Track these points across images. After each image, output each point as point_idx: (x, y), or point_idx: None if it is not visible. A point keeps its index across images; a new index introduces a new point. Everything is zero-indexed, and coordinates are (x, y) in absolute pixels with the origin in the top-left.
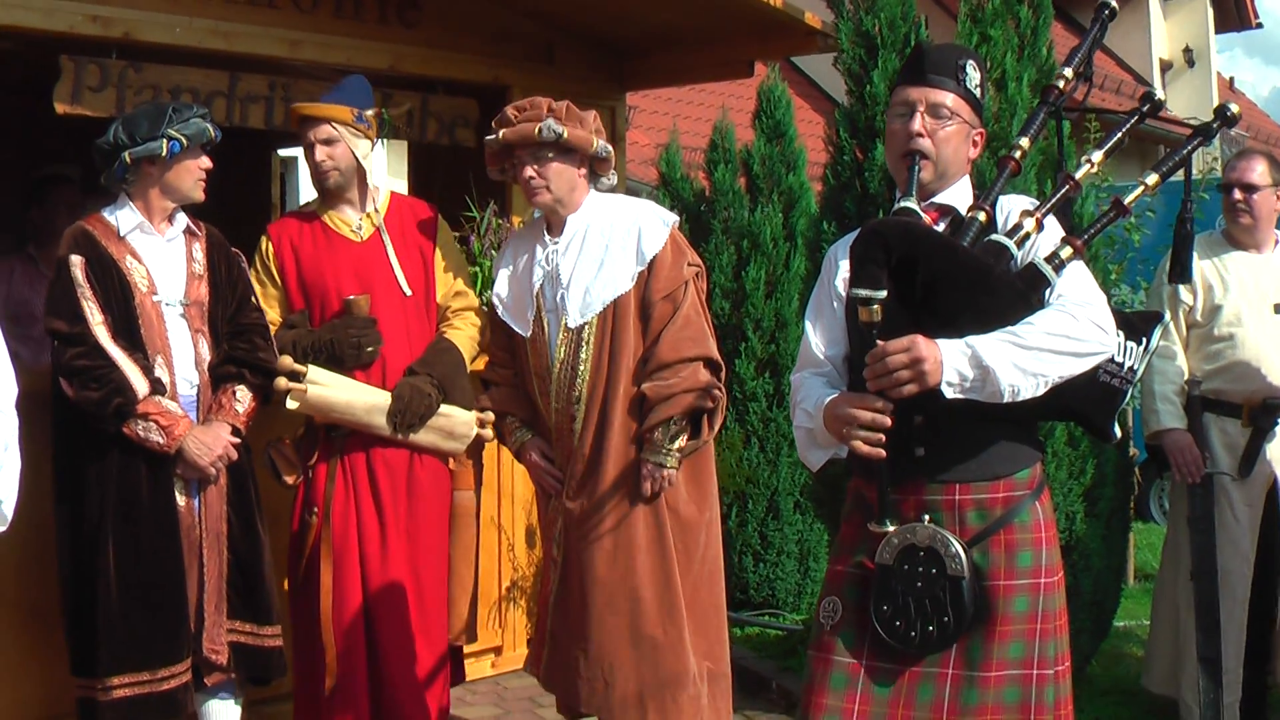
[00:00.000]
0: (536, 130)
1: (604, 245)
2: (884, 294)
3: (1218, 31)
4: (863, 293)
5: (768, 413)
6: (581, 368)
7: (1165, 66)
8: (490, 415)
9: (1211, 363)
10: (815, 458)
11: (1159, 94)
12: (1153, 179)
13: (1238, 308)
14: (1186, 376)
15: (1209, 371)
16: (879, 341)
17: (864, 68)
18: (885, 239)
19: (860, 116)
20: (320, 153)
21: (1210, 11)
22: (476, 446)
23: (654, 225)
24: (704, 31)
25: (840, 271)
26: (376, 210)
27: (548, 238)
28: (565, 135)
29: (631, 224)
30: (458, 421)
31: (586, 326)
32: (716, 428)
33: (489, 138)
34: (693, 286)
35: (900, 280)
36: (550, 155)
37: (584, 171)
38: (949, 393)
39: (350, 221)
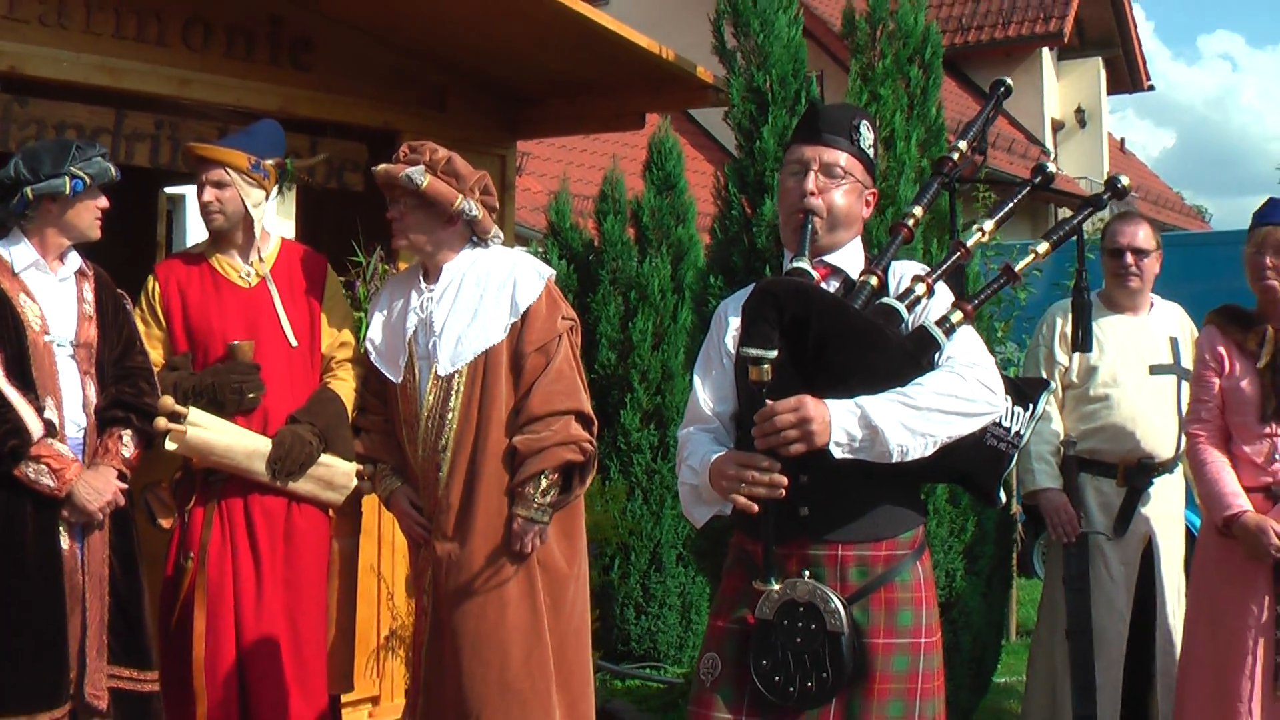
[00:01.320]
0: (400, 175)
1: (478, 295)
2: (774, 353)
3: (1110, 93)
4: (753, 351)
5: (652, 464)
6: (449, 416)
7: (1057, 126)
8: (369, 469)
9: (1087, 423)
10: (700, 514)
11: (1050, 165)
12: (1043, 247)
13: (1114, 369)
14: (1062, 437)
15: (1085, 432)
16: (768, 400)
17: (754, 123)
18: (778, 298)
19: (750, 171)
20: (209, 194)
21: (1103, 73)
22: (356, 497)
23: (529, 277)
24: (598, 82)
25: (730, 328)
26: (263, 259)
27: (423, 284)
28: (424, 187)
29: (507, 275)
30: (337, 472)
31: (457, 375)
32: (587, 482)
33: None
34: (566, 340)
35: (791, 339)
36: (412, 203)
37: (454, 225)
38: (837, 453)
39: (238, 267)
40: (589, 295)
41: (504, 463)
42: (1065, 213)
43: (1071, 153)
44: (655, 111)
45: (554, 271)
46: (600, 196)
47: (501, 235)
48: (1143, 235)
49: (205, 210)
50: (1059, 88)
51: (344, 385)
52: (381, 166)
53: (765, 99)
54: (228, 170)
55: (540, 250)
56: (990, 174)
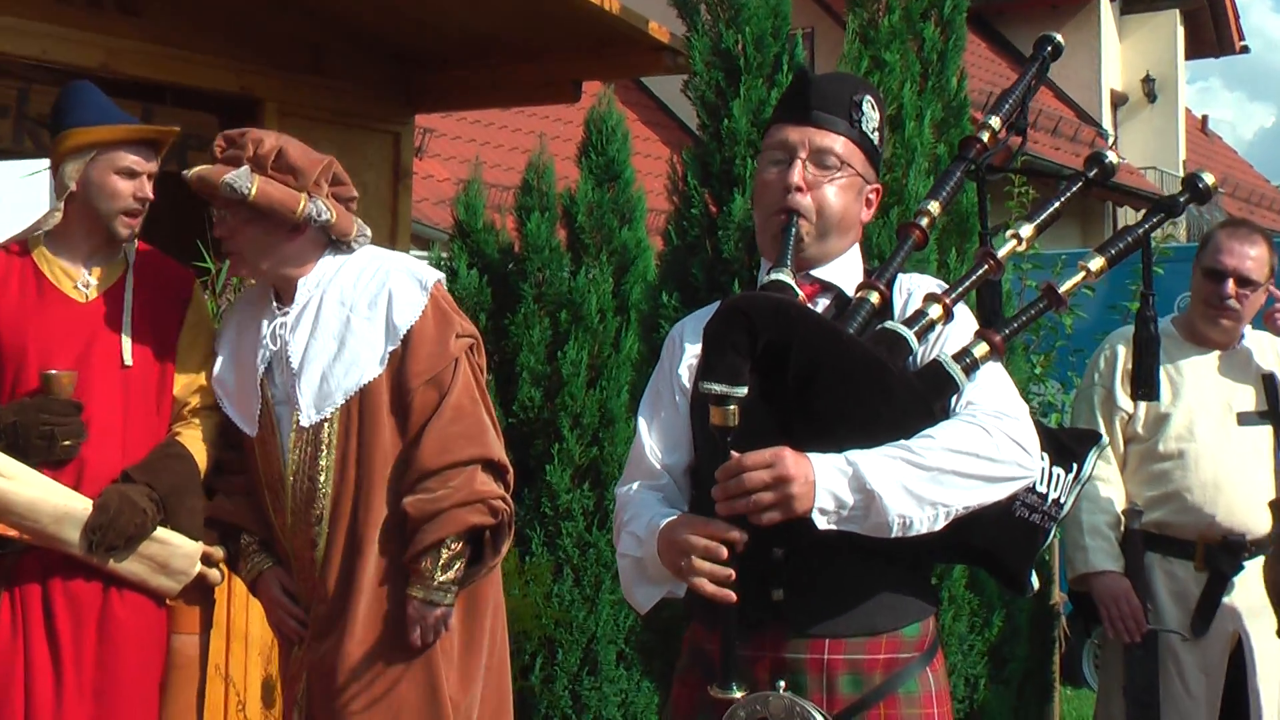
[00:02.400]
0: (219, 183)
1: (344, 317)
2: (744, 391)
3: (1189, 57)
4: (717, 388)
5: (586, 535)
6: (321, 478)
7: (1119, 100)
8: (220, 552)
9: (1156, 488)
10: (644, 595)
11: (1109, 153)
12: (1097, 264)
13: (1190, 418)
14: (1124, 505)
15: (1153, 499)
16: (734, 453)
17: (722, 96)
18: (750, 320)
19: (715, 158)
20: (147, 187)
21: (1180, 31)
22: (201, 588)
23: (407, 288)
24: (519, 42)
25: (687, 357)
26: (122, 265)
27: (275, 306)
28: (252, 195)
29: (379, 288)
30: (177, 552)
31: (326, 425)
32: (503, 550)
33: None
34: (464, 365)
35: (766, 374)
36: (243, 215)
37: (301, 234)
38: (822, 522)
39: (74, 274)
40: (507, 315)
41: (394, 532)
42: (1128, 214)
43: (1137, 135)
44: (594, 80)
45: (440, 275)
46: (523, 188)
47: (368, 233)
48: (1254, 259)
49: (128, 210)
50: (1121, 50)
51: (197, 439)
52: (193, 171)
53: (736, 64)
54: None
55: (445, 256)
56: (1030, 162)
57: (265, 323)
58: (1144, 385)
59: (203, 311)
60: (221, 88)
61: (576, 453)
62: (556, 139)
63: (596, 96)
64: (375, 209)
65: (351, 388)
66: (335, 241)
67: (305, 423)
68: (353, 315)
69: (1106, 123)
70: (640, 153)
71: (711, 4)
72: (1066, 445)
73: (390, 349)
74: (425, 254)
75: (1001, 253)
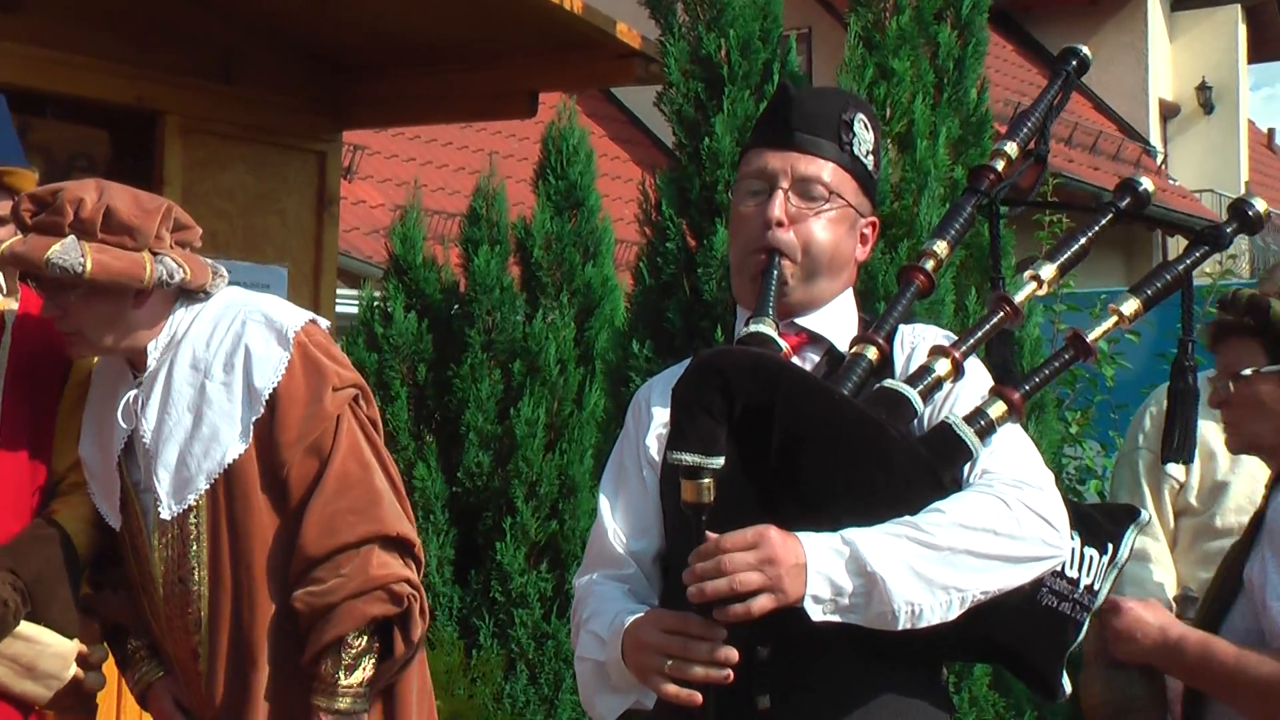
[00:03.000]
0: (43, 265)
1: (198, 385)
2: (720, 462)
3: (1252, 60)
4: (688, 459)
5: (543, 625)
6: (194, 578)
7: (1170, 111)
8: (102, 653)
9: (1212, 568)
10: (607, 706)
11: (1144, 180)
12: (1130, 307)
13: (1254, 487)
14: (1175, 590)
15: (1209, 582)
16: (710, 534)
17: (702, 110)
18: (725, 378)
19: (694, 183)
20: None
21: (1242, 30)
22: (79, 694)
23: (264, 342)
24: (466, 46)
25: (655, 424)
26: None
27: (130, 372)
28: (88, 273)
29: (234, 344)
30: (47, 651)
31: (191, 515)
32: (416, 640)
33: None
34: (348, 423)
35: (746, 441)
36: (78, 293)
37: (148, 297)
38: (816, 612)
39: None
40: (451, 367)
41: (287, 632)
42: (1179, 244)
43: (1191, 151)
44: (554, 90)
45: (308, 317)
46: (469, 216)
47: (224, 273)
48: None
49: None
50: (1172, 53)
51: (77, 519)
52: (11, 245)
53: (719, 73)
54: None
55: (378, 296)
56: (1065, 183)
57: (121, 394)
58: (1177, 446)
59: (88, 373)
60: (114, 98)
61: (532, 528)
62: (509, 159)
63: (556, 110)
64: (296, 240)
65: (214, 469)
66: (188, 292)
67: (166, 515)
68: (208, 382)
69: (1155, 138)
70: (608, 174)
71: (690, 3)
72: (1099, 523)
73: (253, 418)
74: (355, 293)
75: (1019, 297)
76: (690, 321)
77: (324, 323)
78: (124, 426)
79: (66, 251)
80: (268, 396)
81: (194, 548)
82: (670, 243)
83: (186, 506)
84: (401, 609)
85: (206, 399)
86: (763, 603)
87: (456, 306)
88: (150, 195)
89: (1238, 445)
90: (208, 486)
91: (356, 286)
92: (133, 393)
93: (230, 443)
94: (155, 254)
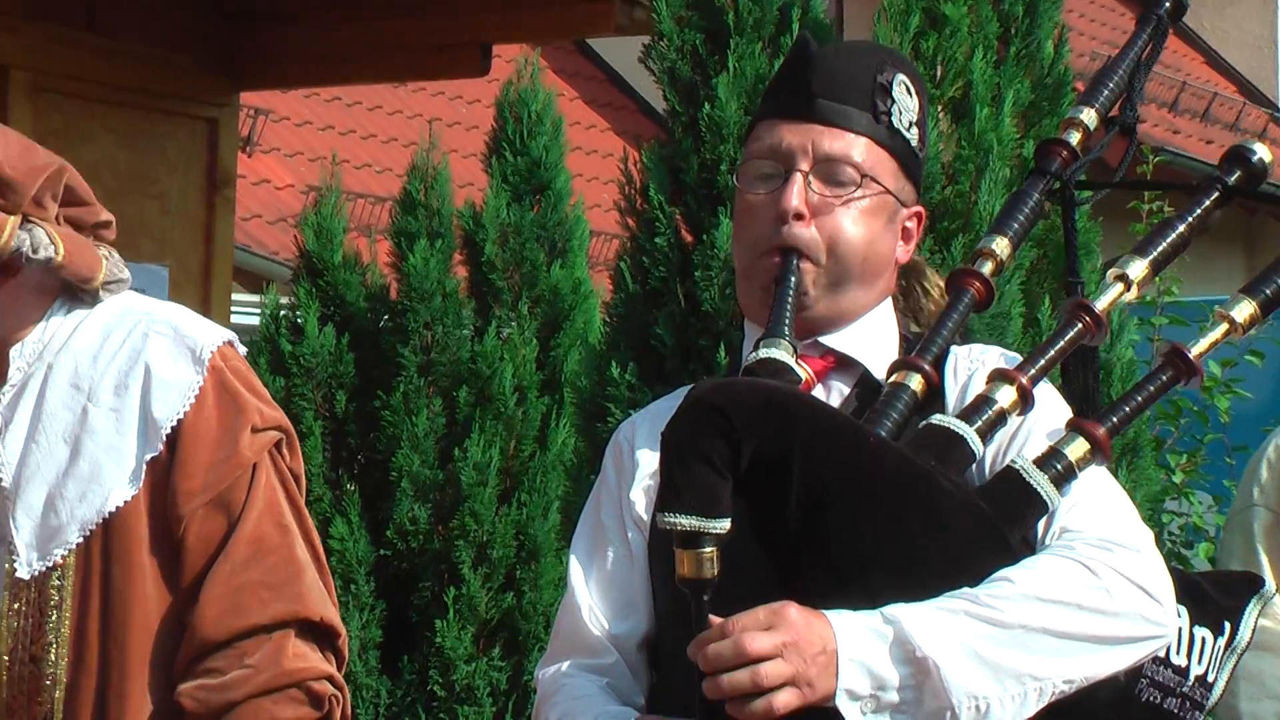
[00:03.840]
0: None
1: (78, 409)
2: (725, 525)
3: None
4: (684, 522)
5: None
6: (50, 656)
7: None
8: None
9: None
10: None
11: (1259, 148)
12: (1244, 311)
13: None
14: None
15: None
16: (713, 617)
17: (701, 69)
18: (729, 420)
19: (690, 161)
20: None
21: None
22: None
23: (170, 361)
24: None
25: (641, 473)
26: None
27: None
28: None
29: (130, 361)
30: None
31: (55, 575)
32: None
33: None
34: (266, 474)
35: (758, 499)
36: None
37: (12, 279)
38: (852, 713)
39: None
40: (379, 395)
41: None
42: None
43: None
44: (512, 42)
45: (227, 336)
46: (403, 202)
47: (126, 276)
48: None
49: None
50: None
51: None
52: None
53: (723, 21)
54: None
55: (286, 303)
56: (1170, 161)
57: None
58: None
59: None
60: None
61: (482, 602)
62: (455, 128)
63: (515, 66)
64: (179, 231)
65: (90, 518)
66: (72, 290)
67: (24, 574)
68: (92, 406)
69: None
70: (581, 149)
71: None
72: (1212, 596)
73: (149, 456)
74: (255, 299)
75: (1101, 305)
76: (685, 338)
77: (240, 347)
78: None
79: None
80: (169, 431)
81: (53, 617)
82: (660, 238)
83: (51, 564)
84: (320, 714)
85: (88, 428)
86: (787, 699)
87: (386, 318)
88: (47, 153)
89: None
90: (80, 540)
91: (258, 291)
92: None
93: (115, 485)
94: (27, 220)
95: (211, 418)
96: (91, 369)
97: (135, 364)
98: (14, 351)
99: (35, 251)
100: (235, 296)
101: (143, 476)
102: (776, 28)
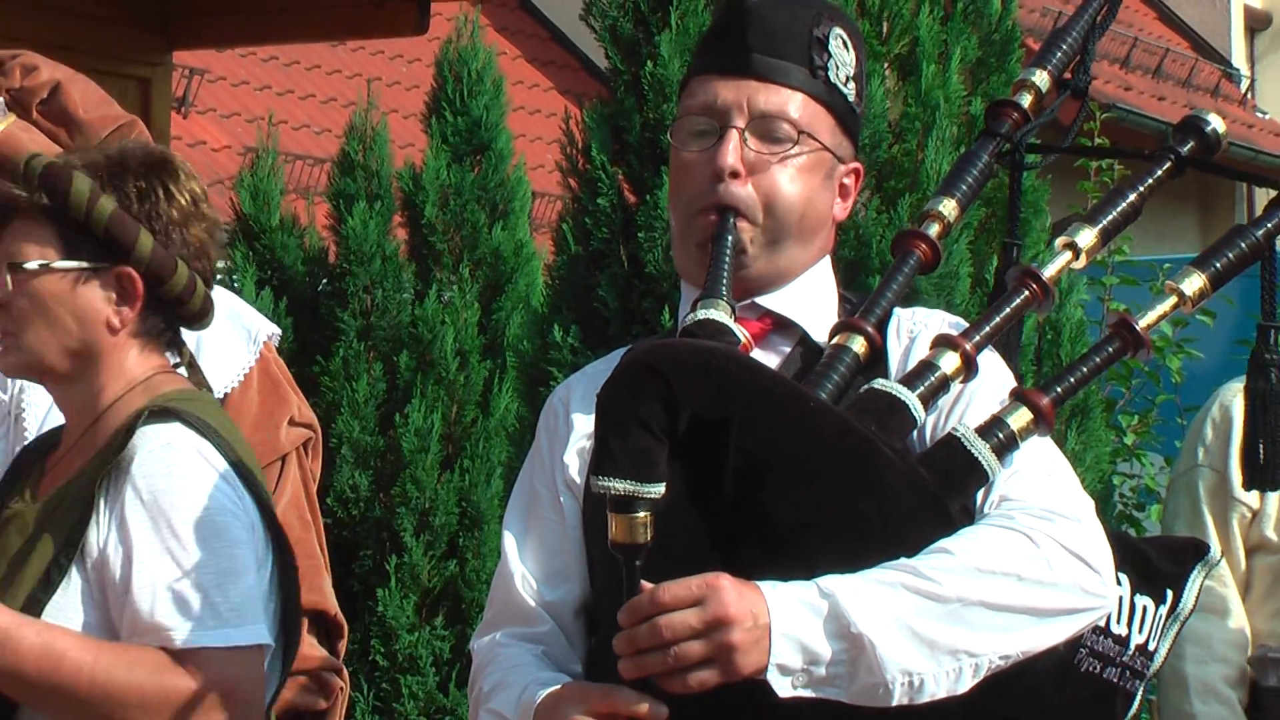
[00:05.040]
0: None
1: None
2: (660, 490)
3: None
4: (618, 486)
5: (438, 697)
6: None
7: (1258, 22)
8: None
9: None
10: None
11: (1212, 119)
12: (1194, 285)
13: None
14: (1251, 649)
15: None
16: (645, 584)
17: (643, 25)
18: (666, 382)
19: (633, 120)
20: None
21: None
22: None
23: (226, 340)
24: None
25: (576, 436)
26: None
27: None
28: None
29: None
30: None
31: None
32: None
33: None
34: (295, 469)
35: (694, 464)
36: None
37: None
38: (783, 686)
39: None
40: (318, 360)
41: None
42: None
43: None
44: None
45: (277, 330)
46: (341, 163)
47: None
48: None
49: None
50: None
51: None
52: None
53: None
54: None
55: (222, 267)
56: (1121, 117)
57: None
58: (1259, 468)
59: None
60: None
61: (424, 570)
62: (394, 88)
63: (454, 23)
64: None
65: None
66: None
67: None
68: None
69: (1238, 57)
70: (524, 108)
71: None
72: (1156, 563)
73: None
74: None
75: (1048, 272)
76: (628, 301)
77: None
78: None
79: None
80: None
81: None
82: (602, 199)
83: None
84: (328, 704)
85: None
86: (707, 677)
87: (324, 281)
88: (120, 107)
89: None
90: None
91: None
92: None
93: None
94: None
95: (255, 400)
96: None
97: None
98: None
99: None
100: None
101: None
102: None
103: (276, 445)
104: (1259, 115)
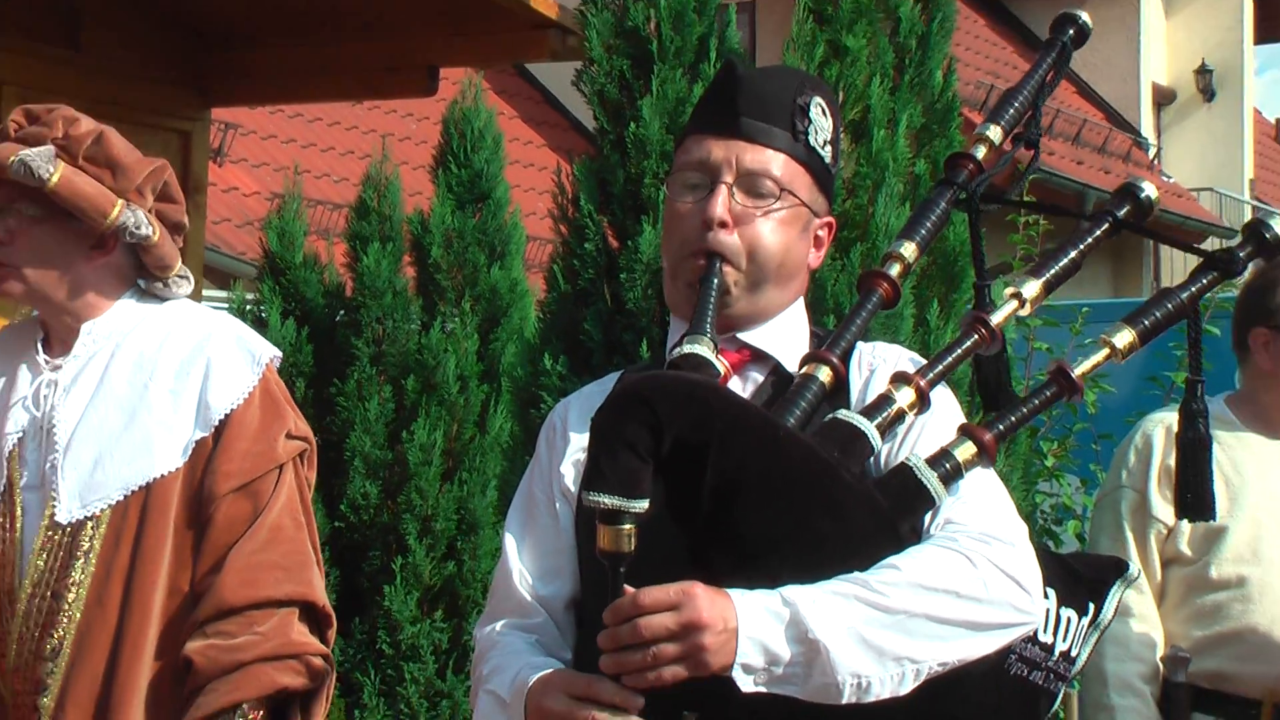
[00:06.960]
0: (9, 161)
1: (139, 385)
2: (643, 505)
3: (1258, 40)
4: (607, 501)
5: (437, 681)
6: (70, 596)
7: (1164, 98)
8: None
9: (1208, 627)
10: None
11: (1145, 185)
12: (1124, 339)
13: (1255, 533)
14: (1163, 650)
15: (1204, 642)
16: (628, 588)
17: (627, 91)
18: (653, 410)
19: (617, 175)
20: None
21: (1248, 7)
22: None
23: (232, 360)
24: (355, 11)
25: (572, 450)
26: None
27: (43, 357)
28: (53, 183)
29: (193, 353)
30: None
31: (90, 525)
32: None
33: None
34: (291, 476)
35: (676, 482)
36: (31, 212)
37: (106, 256)
38: (746, 683)
39: None
40: (334, 383)
41: (163, 688)
42: (1173, 253)
43: (1188, 144)
44: (456, 65)
45: (278, 353)
46: (358, 208)
47: (190, 278)
48: None
49: None
50: (1168, 32)
51: None
52: None
53: (648, 49)
54: None
55: (250, 299)
56: (1045, 178)
57: (26, 375)
58: (1194, 505)
59: None
60: None
61: (426, 569)
62: (405, 142)
63: (459, 87)
64: None
65: (134, 481)
66: (144, 280)
67: (63, 518)
68: (152, 384)
69: (1147, 128)
70: (519, 162)
71: None
72: (1081, 578)
73: (198, 437)
74: (224, 295)
75: (997, 319)
76: (610, 334)
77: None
78: (33, 412)
79: (37, 156)
80: (220, 418)
81: (80, 561)
82: (589, 243)
83: (89, 515)
84: (314, 685)
85: (146, 403)
86: (677, 670)
87: (341, 313)
88: (149, 157)
89: None
90: (121, 498)
91: (225, 287)
92: (51, 376)
93: (163, 456)
94: (130, 204)
95: (256, 416)
96: (156, 354)
97: (198, 355)
98: (85, 327)
99: (138, 229)
100: (205, 292)
101: (187, 454)
102: (696, 55)
103: (274, 455)
104: (1164, 179)
